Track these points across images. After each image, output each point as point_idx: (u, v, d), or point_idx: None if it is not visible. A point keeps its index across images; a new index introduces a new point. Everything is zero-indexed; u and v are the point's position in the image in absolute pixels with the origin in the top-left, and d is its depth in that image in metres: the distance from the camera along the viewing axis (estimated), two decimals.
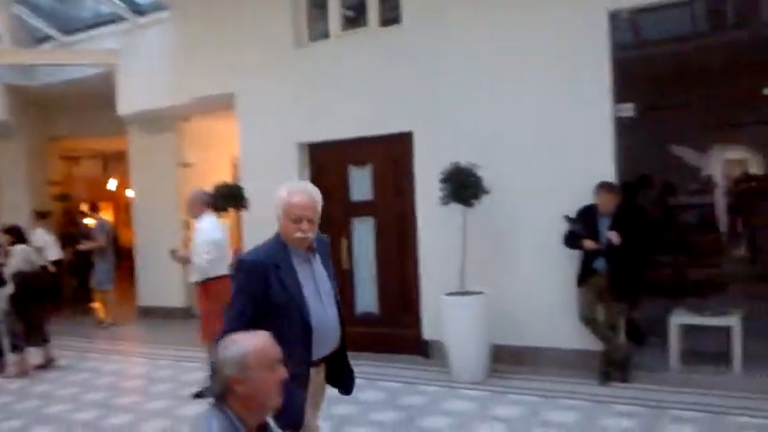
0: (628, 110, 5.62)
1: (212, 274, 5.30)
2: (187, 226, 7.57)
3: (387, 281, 6.56)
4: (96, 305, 9.24)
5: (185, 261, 5.53)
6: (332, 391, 5.51)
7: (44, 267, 7.60)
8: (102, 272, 9.05)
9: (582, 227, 5.15)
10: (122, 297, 10.82)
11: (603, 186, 5.12)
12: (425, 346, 6.18)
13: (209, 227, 5.41)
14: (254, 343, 1.86)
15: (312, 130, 6.82)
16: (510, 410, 4.67)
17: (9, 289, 6.49)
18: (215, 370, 1.86)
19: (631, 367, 5.21)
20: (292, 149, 6.88)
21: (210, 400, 1.87)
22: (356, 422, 4.63)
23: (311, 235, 2.65)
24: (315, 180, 6.91)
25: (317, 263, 2.74)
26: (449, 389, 5.21)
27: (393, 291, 6.52)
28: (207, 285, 5.34)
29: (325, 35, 6.92)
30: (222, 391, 1.83)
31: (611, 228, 5.06)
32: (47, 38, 9.70)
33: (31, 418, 5.15)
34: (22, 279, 6.52)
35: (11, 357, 6.62)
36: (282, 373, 1.90)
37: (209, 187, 6.29)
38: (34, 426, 4.98)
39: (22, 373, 6.48)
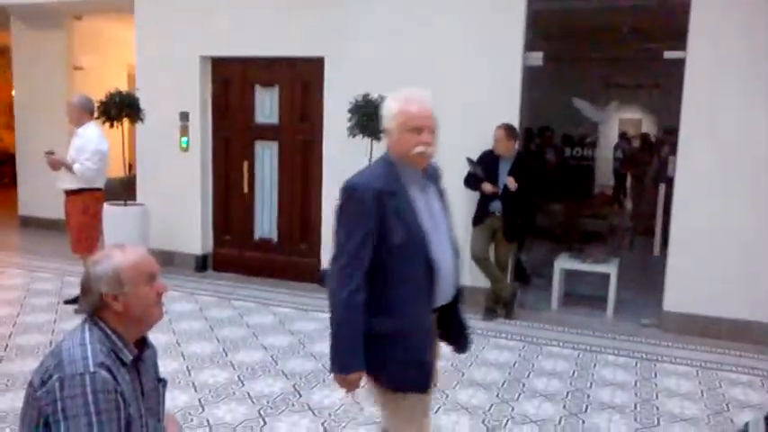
0: (537, 59, 5.72)
1: (91, 185, 5.27)
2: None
3: (287, 208, 6.48)
4: None
5: (60, 165, 5.19)
6: (221, 312, 5.46)
7: None
8: None
9: (482, 170, 5.28)
10: (3, 205, 10.09)
11: (502, 127, 5.24)
12: (323, 274, 6.22)
13: (96, 136, 5.26)
14: (128, 257, 1.77)
15: (218, 43, 6.45)
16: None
17: None
18: (87, 285, 1.75)
19: (515, 306, 5.53)
20: (194, 62, 6.49)
21: (83, 314, 1.77)
22: (248, 345, 4.63)
23: (433, 150, 2.17)
24: (217, 98, 6.61)
25: (433, 192, 2.28)
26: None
27: (294, 219, 6.47)
28: (82, 194, 5.25)
29: None
30: (96, 306, 1.74)
31: (510, 173, 5.23)
32: None
33: None
34: None
35: None
36: (161, 287, 1.82)
37: (101, 93, 5.87)
38: None
39: None
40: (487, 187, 5.25)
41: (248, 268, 6.57)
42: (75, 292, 5.45)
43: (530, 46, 5.60)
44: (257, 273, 6.52)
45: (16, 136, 9.03)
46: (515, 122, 5.43)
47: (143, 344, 1.86)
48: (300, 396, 3.77)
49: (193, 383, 3.88)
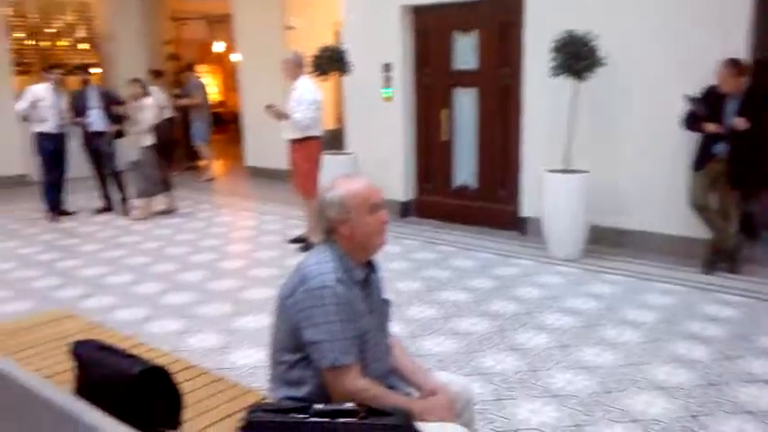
0: None
1: (310, 133, 5.59)
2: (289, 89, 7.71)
3: (487, 155, 6.48)
4: (200, 161, 10.06)
5: (280, 116, 5.61)
6: (426, 255, 5.69)
7: (168, 121, 8.09)
8: (198, 128, 9.83)
9: (705, 108, 4.77)
10: (230, 157, 11.42)
11: (727, 64, 4.65)
12: (522, 222, 6.17)
13: (311, 87, 5.63)
14: (353, 186, 1.94)
15: None
16: (604, 288, 4.68)
17: (149, 139, 6.98)
18: (320, 211, 1.96)
19: (740, 259, 5.00)
20: (395, 13, 6.66)
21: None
22: (450, 286, 4.79)
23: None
24: (417, 47, 6.73)
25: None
26: (543, 264, 5.25)
27: (493, 165, 6.45)
28: (304, 143, 5.61)
29: None
30: (328, 230, 1.96)
31: (739, 112, 4.66)
32: None
33: (155, 257, 5.71)
34: (158, 131, 7.00)
35: (135, 202, 7.27)
36: (383, 216, 1.97)
37: (310, 51, 6.30)
38: (158, 263, 5.53)
39: (147, 216, 7.13)
40: (710, 127, 4.74)
41: (448, 214, 6.74)
42: (298, 232, 6.09)
43: None
44: (457, 219, 6.66)
45: (240, 95, 10.09)
46: (743, 52, 4.79)
47: (370, 267, 2.04)
48: (505, 337, 3.85)
49: (403, 317, 4.15)
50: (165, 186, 7.33)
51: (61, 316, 3.03)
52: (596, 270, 5.08)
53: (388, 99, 6.86)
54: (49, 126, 7.03)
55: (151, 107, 7.07)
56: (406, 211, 6.99)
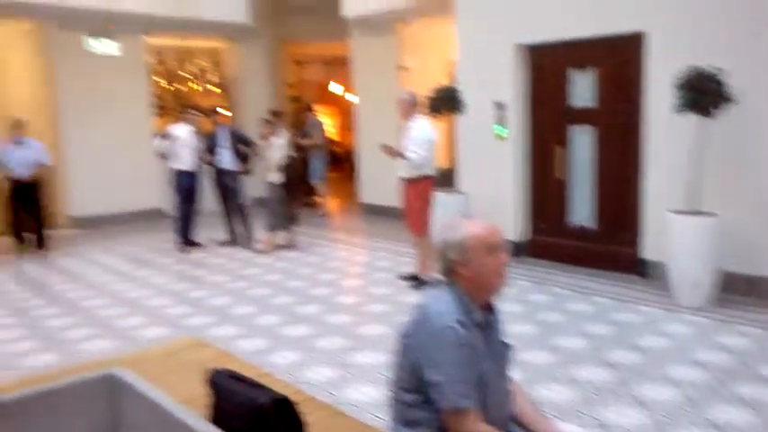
0: None
1: (423, 172, 5.70)
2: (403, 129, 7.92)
3: (605, 194, 6.27)
4: (316, 198, 10.49)
5: (394, 154, 5.72)
6: (540, 297, 5.53)
7: (294, 159, 8.56)
8: (315, 166, 10.30)
9: None
10: (344, 194, 11.82)
11: None
12: (643, 265, 5.88)
13: (426, 127, 5.75)
14: (473, 229, 1.96)
15: (531, 30, 6.52)
16: (737, 340, 4.33)
17: (278, 177, 7.43)
18: (440, 251, 1.99)
19: None
20: (510, 51, 6.68)
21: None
22: (566, 331, 4.65)
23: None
24: (531, 84, 6.70)
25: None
26: (667, 311, 4.96)
27: (611, 204, 6.23)
28: (417, 182, 5.71)
29: None
30: (447, 271, 1.98)
31: None
32: None
33: (276, 289, 6.00)
34: (287, 169, 7.44)
35: (260, 236, 7.69)
36: (504, 257, 1.97)
37: (424, 90, 6.46)
38: (279, 294, 5.80)
39: (270, 250, 7.51)
40: None
41: (563, 255, 6.55)
42: (409, 269, 6.17)
43: None
44: (572, 260, 6.46)
45: (355, 134, 10.47)
46: None
47: (490, 309, 2.04)
48: (628, 388, 3.66)
49: (517, 362, 4.05)
50: (291, 221, 7.73)
51: (195, 344, 3.25)
52: (728, 320, 4.73)
53: (502, 137, 6.85)
54: (185, 164, 7.66)
55: (279, 146, 7.52)
56: (518, 250, 6.88)
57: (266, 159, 7.58)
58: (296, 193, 7.96)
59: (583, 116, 6.35)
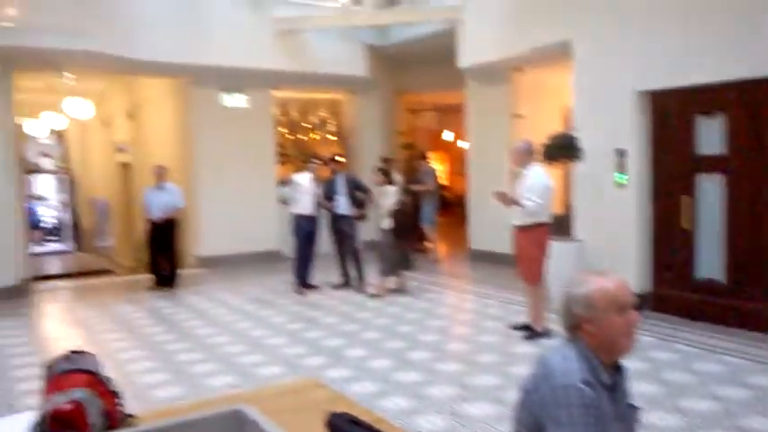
0: None
1: (539, 220, 5.60)
2: (517, 176, 7.88)
3: (737, 246, 5.84)
4: (426, 243, 10.56)
5: (509, 202, 5.61)
6: (664, 355, 5.21)
7: (405, 204, 8.77)
8: (426, 212, 10.41)
9: None
10: (455, 241, 11.84)
11: None
12: None
13: (542, 175, 5.70)
14: (602, 284, 1.87)
15: (651, 75, 6.32)
16: None
17: (389, 223, 7.65)
18: (565, 305, 1.93)
19: None
20: (630, 97, 6.50)
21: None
22: (694, 393, 4.32)
23: None
24: (653, 132, 6.46)
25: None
26: None
27: (744, 258, 5.79)
28: (532, 229, 5.61)
29: None
30: (572, 326, 1.91)
31: None
32: None
33: (387, 333, 6.08)
34: (399, 215, 7.64)
35: (372, 279, 7.86)
36: (634, 316, 1.88)
37: (537, 137, 6.41)
38: (389, 339, 5.87)
39: (382, 293, 7.65)
40: None
41: (689, 310, 6.14)
42: (521, 319, 6.04)
43: None
44: (700, 316, 6.03)
45: (468, 180, 10.51)
46: None
47: (617, 369, 1.95)
48: None
49: (641, 425, 3.82)
50: (405, 266, 7.85)
51: (312, 384, 3.36)
52: None
53: (622, 185, 6.62)
54: (306, 209, 8.05)
55: (393, 193, 7.73)
56: (640, 304, 6.50)
57: (380, 206, 7.80)
58: (409, 237, 8.08)
59: (712, 164, 6.00)
